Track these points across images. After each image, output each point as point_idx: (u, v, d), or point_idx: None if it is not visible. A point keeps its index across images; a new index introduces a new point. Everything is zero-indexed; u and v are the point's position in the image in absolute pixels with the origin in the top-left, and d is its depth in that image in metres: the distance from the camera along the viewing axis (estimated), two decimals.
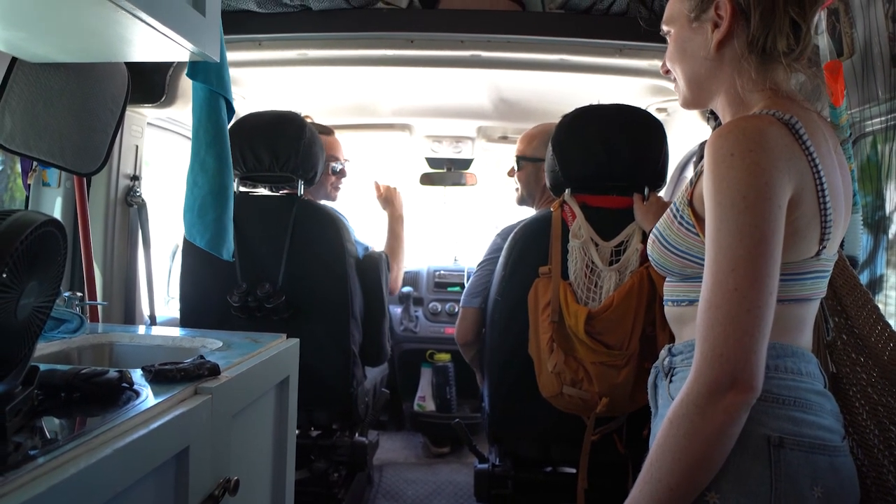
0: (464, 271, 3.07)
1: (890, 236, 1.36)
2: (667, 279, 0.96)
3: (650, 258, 0.95)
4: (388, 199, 2.37)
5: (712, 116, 1.75)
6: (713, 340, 0.74)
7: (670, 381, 0.92)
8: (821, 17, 1.20)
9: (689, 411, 0.75)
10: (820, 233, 0.80)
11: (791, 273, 0.81)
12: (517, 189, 2.03)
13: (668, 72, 0.98)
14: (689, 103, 0.96)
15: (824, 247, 0.81)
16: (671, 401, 0.88)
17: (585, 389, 1.46)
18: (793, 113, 0.80)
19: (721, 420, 0.73)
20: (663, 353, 0.96)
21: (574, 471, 1.63)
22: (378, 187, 2.39)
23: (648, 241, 0.95)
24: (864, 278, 1.22)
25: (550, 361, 1.47)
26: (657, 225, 0.93)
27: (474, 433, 2.61)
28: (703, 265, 0.78)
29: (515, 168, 2.02)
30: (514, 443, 1.74)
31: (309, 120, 2.16)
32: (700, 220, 0.84)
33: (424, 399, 2.93)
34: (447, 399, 2.89)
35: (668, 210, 0.92)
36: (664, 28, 0.96)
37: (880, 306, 1.04)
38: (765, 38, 0.84)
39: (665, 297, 0.95)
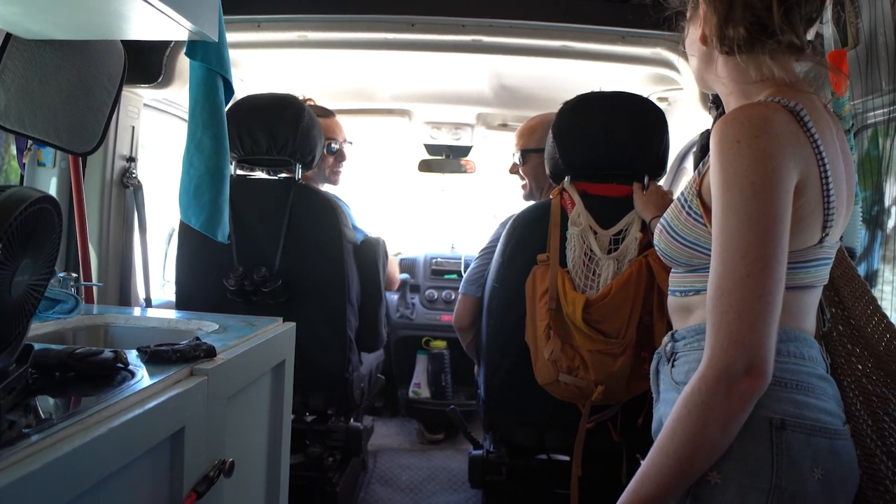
0: (461, 259, 3.06)
1: (887, 231, 1.36)
2: (672, 270, 0.95)
3: (657, 249, 0.95)
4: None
5: (714, 105, 1.74)
6: (727, 327, 0.74)
7: (672, 366, 0.92)
8: (826, 7, 1.19)
9: (704, 398, 0.75)
10: (823, 220, 0.80)
11: (795, 261, 0.81)
12: (524, 185, 1.96)
13: None
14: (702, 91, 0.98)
15: (827, 234, 0.82)
16: (673, 385, 0.88)
17: (581, 377, 1.46)
18: (798, 100, 0.80)
19: (736, 406, 0.74)
20: (666, 338, 0.96)
21: (568, 458, 1.63)
22: None
23: (655, 231, 0.95)
24: (859, 273, 1.23)
25: (547, 349, 1.47)
26: (665, 215, 0.93)
27: (469, 420, 2.61)
28: (710, 255, 0.78)
29: (519, 163, 1.93)
30: (509, 430, 1.74)
31: (310, 103, 2.13)
32: (708, 210, 0.83)
33: (420, 386, 2.94)
34: (442, 386, 2.90)
35: (676, 200, 0.91)
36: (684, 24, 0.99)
37: None
38: (727, 29, 0.84)
39: (671, 288, 0.95)
